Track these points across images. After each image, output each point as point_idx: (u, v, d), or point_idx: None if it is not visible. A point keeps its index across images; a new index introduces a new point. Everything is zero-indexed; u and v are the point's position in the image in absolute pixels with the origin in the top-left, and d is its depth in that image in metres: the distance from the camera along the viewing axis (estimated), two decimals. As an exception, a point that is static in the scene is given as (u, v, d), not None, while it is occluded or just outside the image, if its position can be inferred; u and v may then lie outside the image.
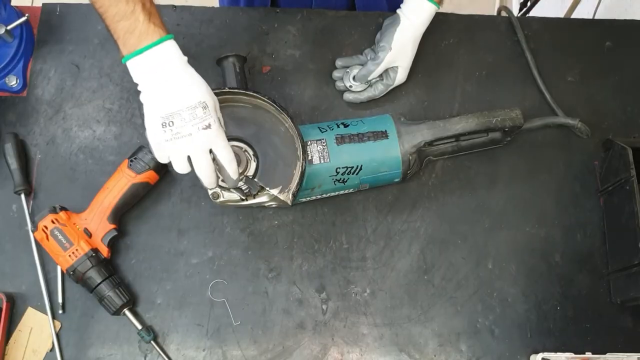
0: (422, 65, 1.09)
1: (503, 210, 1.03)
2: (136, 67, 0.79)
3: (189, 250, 1.00)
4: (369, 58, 1.03)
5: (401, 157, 0.95)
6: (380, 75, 1.04)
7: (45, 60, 1.08)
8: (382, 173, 0.97)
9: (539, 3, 1.59)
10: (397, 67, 1.02)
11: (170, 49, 0.79)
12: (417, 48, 1.02)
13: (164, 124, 0.78)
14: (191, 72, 0.81)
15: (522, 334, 0.97)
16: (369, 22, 1.12)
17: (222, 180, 0.89)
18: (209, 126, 0.79)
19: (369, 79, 1.03)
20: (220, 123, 0.83)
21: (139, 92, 0.81)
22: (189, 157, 0.81)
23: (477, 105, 1.07)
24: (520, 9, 1.64)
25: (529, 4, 1.70)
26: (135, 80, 0.80)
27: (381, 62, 1.00)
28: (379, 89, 1.05)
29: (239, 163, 0.88)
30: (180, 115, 0.78)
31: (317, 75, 1.09)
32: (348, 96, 1.07)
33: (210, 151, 0.82)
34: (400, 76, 1.03)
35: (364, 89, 1.06)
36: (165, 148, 0.80)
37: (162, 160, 0.82)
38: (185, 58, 0.81)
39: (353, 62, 1.06)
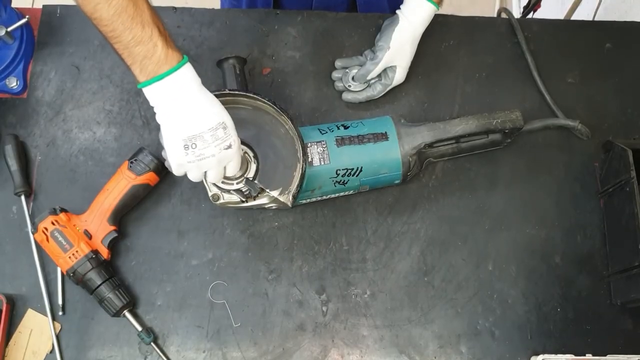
0: (422, 66, 1.09)
1: (503, 211, 1.03)
2: (154, 92, 0.78)
3: (189, 252, 0.99)
4: (368, 59, 1.03)
5: (401, 158, 0.95)
6: (379, 75, 1.04)
7: (46, 61, 1.08)
8: (382, 175, 0.97)
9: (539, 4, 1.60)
10: (395, 66, 1.02)
11: (188, 73, 0.79)
12: (416, 48, 1.02)
13: (186, 146, 0.78)
14: (207, 93, 0.81)
15: (522, 335, 0.97)
16: (369, 24, 1.12)
17: (223, 182, 0.89)
18: (229, 146, 0.80)
19: (368, 78, 1.03)
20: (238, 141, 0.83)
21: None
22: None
23: (477, 107, 1.07)
24: (526, 14, 1.64)
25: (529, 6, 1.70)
26: (152, 104, 0.79)
27: (379, 62, 1.01)
28: (377, 89, 1.05)
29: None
30: (203, 137, 0.78)
31: (317, 77, 1.09)
32: (347, 96, 1.07)
33: None
34: (399, 76, 1.03)
35: (363, 89, 1.06)
36: (187, 167, 0.81)
37: (178, 174, 0.82)
38: (199, 80, 0.80)
39: (352, 63, 1.06)
